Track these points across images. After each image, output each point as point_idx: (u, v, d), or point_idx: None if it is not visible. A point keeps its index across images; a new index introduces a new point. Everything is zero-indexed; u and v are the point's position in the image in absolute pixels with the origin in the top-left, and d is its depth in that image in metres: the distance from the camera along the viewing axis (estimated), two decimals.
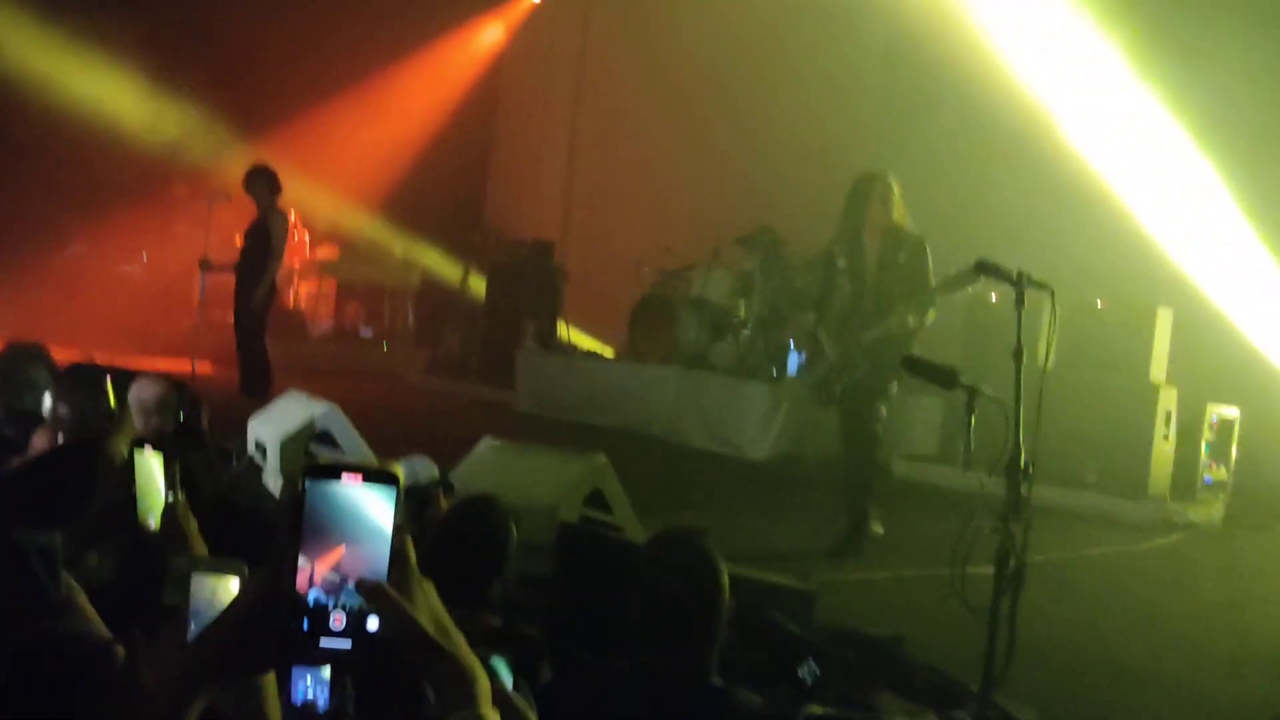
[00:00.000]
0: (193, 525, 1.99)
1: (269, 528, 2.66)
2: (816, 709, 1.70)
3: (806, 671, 2.62)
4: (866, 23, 12.11)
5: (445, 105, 15.64)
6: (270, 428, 5.40)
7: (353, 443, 5.20)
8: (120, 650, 1.43)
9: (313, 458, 4.86)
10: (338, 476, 1.06)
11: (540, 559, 3.65)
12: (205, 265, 8.99)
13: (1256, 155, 9.18)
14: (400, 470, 1.09)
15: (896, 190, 5.66)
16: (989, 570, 3.51)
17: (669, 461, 8.66)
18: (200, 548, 1.97)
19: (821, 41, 12.58)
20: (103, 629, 1.50)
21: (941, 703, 3.38)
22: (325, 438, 5.11)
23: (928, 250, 5.61)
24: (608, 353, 12.48)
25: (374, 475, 1.06)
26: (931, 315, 5.59)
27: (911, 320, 5.49)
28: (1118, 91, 10.04)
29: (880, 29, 12.09)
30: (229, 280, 8.82)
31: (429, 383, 12.81)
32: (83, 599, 1.53)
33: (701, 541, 2.46)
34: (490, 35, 16.26)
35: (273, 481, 4.62)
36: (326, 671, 1.36)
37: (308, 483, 1.05)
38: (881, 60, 12.27)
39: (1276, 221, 9.35)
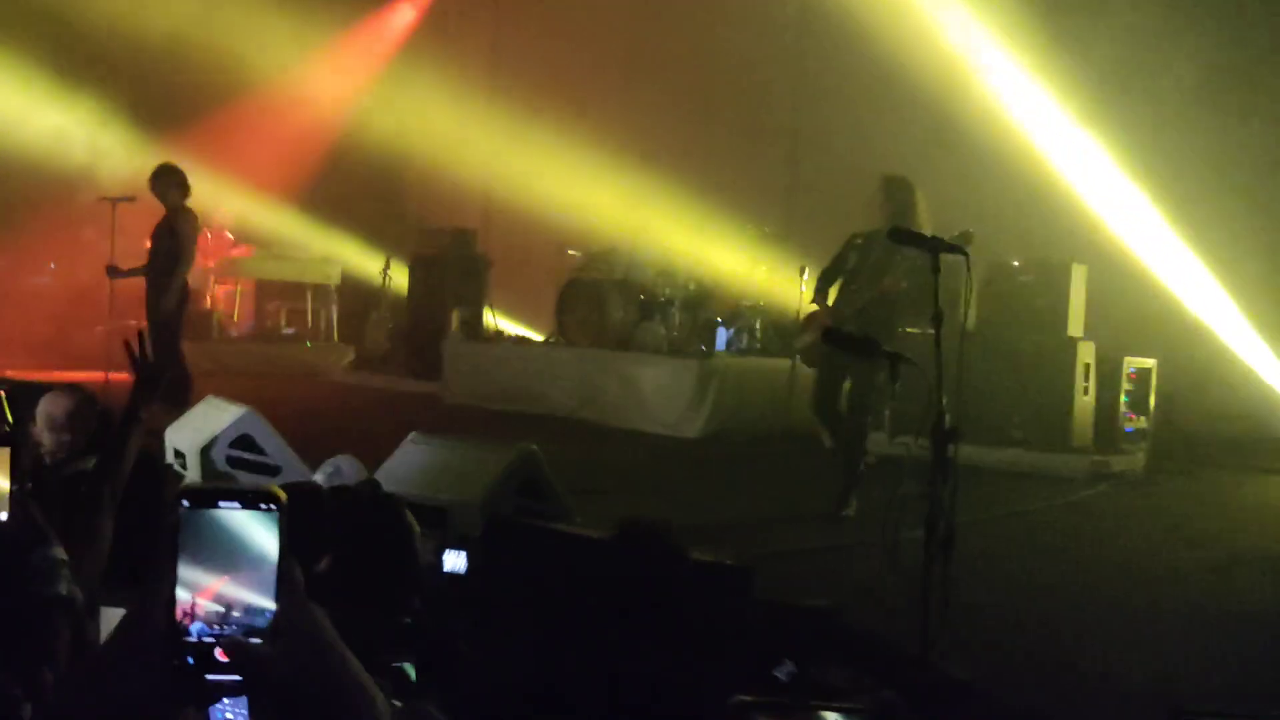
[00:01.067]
0: (40, 514, 1.98)
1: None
2: (745, 697, 1.69)
3: (784, 672, 2.61)
4: None
5: (358, 94, 15.34)
6: (188, 436, 5.25)
7: (275, 446, 5.08)
8: None
9: (227, 474, 4.73)
10: (214, 503, 1.00)
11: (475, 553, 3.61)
12: (113, 272, 8.63)
13: (1154, 114, 9.46)
14: (281, 492, 1.02)
15: (912, 191, 6.17)
16: (922, 534, 3.55)
17: (602, 444, 8.63)
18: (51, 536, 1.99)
19: (733, 10, 12.61)
20: None
21: (881, 670, 3.40)
22: (246, 442, 4.98)
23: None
24: (537, 338, 12.40)
25: (254, 498, 1.00)
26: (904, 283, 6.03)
27: (904, 283, 5.99)
28: (1025, 49, 10.19)
29: None
30: (140, 285, 8.53)
31: (355, 379, 12.61)
32: None
33: (669, 537, 2.43)
34: (401, 18, 15.96)
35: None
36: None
37: (184, 510, 0.99)
38: (795, 22, 12.34)
39: (1172, 176, 9.58)
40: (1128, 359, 8.68)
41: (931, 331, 3.65)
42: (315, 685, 0.99)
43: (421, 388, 11.35)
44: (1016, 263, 8.75)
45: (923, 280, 5.94)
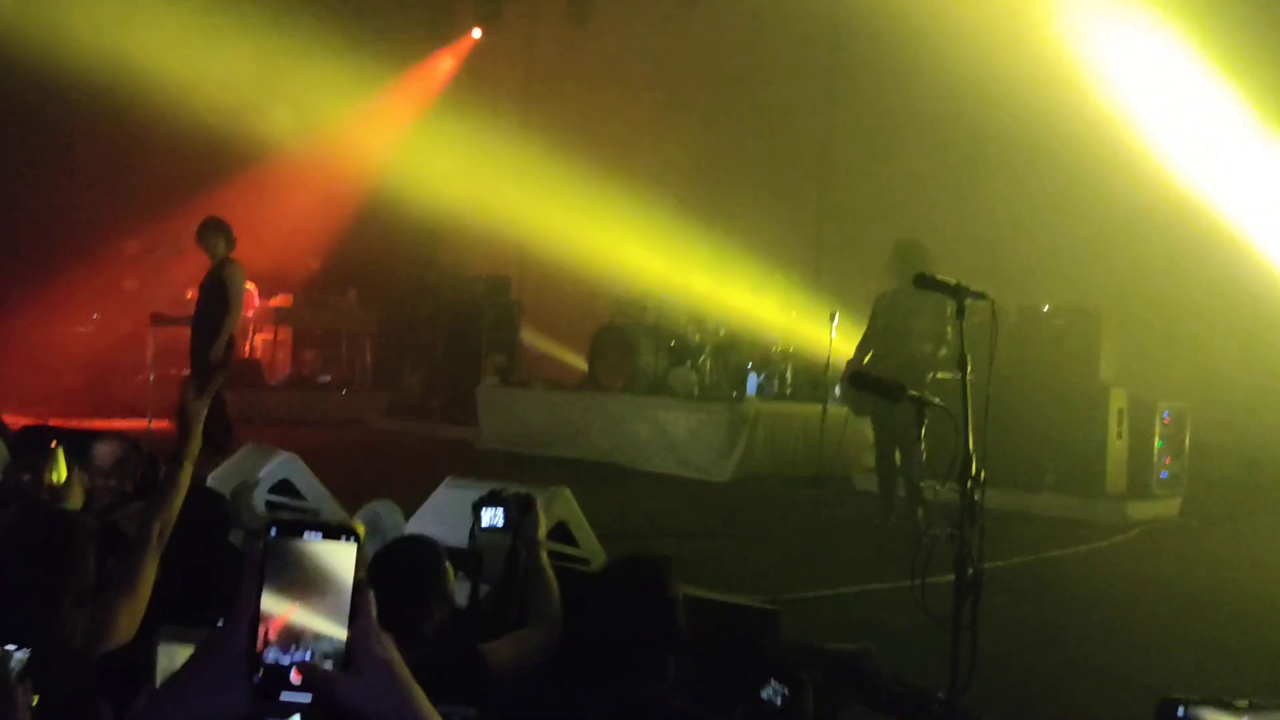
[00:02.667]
0: None
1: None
2: None
3: (772, 692, 2.64)
4: (807, 25, 12.34)
5: (393, 146, 15.66)
6: (230, 481, 5.37)
7: (315, 491, 5.19)
8: None
9: (275, 511, 4.84)
10: (300, 534, 1.08)
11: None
12: (157, 319, 8.84)
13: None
14: (361, 526, 1.11)
15: (922, 252, 7.00)
16: (951, 578, 3.58)
17: (634, 489, 8.69)
18: None
19: (765, 59, 12.81)
20: None
21: (909, 713, 3.42)
22: (287, 487, 5.09)
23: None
24: (576, 369, 12.51)
25: (335, 531, 1.09)
26: (944, 350, 6.90)
27: (927, 348, 6.90)
28: (1062, 94, 10.24)
29: (824, 32, 12.34)
30: (182, 335, 8.72)
31: (390, 425, 12.76)
32: None
33: (656, 565, 2.51)
34: (439, 69, 16.32)
35: (234, 536, 4.59)
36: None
37: (270, 539, 1.07)
38: (825, 69, 12.50)
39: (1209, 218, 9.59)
40: (1161, 403, 8.65)
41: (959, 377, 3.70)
42: (384, 712, 1.07)
43: (456, 433, 11.47)
44: (1046, 307, 8.77)
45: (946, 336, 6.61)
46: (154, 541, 2.45)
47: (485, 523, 3.27)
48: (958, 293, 3.67)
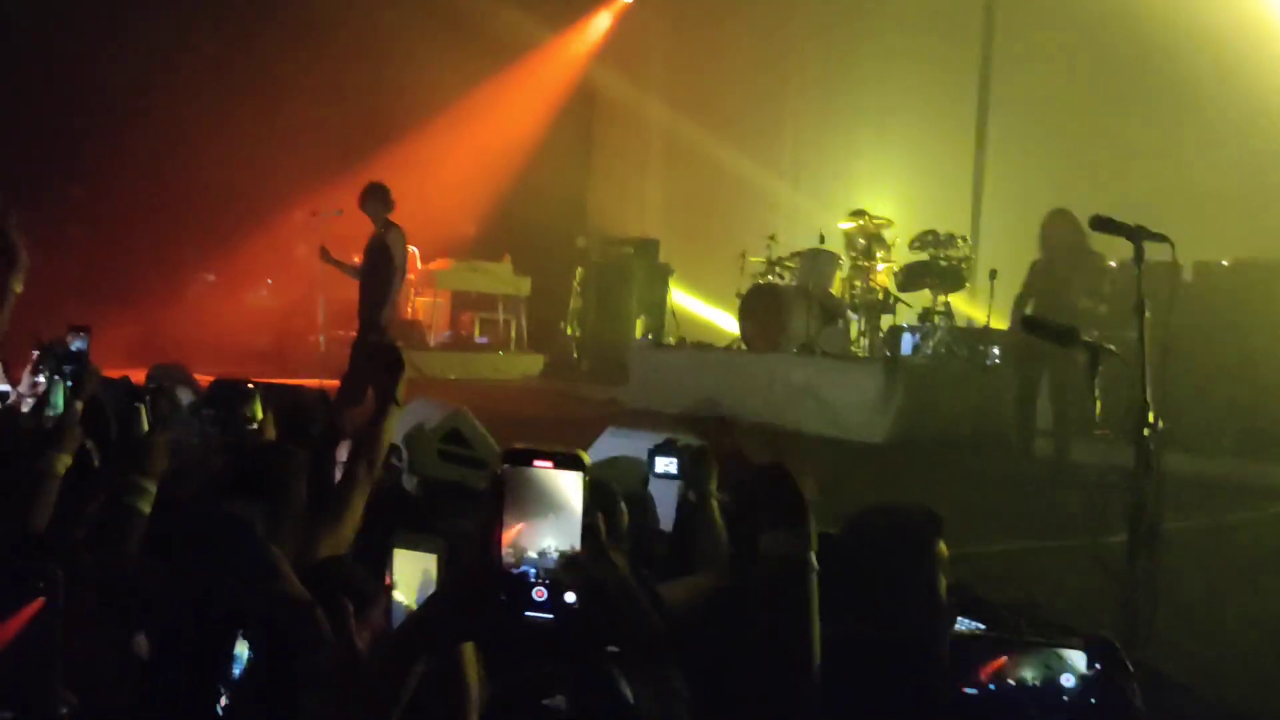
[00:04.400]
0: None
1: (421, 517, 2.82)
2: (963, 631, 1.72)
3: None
4: None
5: (544, 112, 15.93)
6: (401, 431, 5.62)
7: (483, 441, 5.38)
8: (319, 611, 1.56)
9: (447, 460, 5.05)
10: (529, 462, 1.16)
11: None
12: (325, 255, 9.04)
13: None
14: (585, 455, 1.17)
15: (1073, 220, 7.06)
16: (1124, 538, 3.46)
17: (788, 448, 8.66)
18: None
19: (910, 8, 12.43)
20: (302, 591, 1.64)
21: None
22: (456, 437, 5.30)
23: (1105, 264, 7.28)
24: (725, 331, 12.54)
25: (563, 460, 1.16)
26: (1104, 308, 7.16)
27: (1086, 303, 7.13)
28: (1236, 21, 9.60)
29: None
30: (348, 297, 9.07)
31: (545, 385, 13.07)
32: (285, 565, 1.67)
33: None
34: (591, 33, 16.42)
35: (408, 482, 4.82)
36: None
37: (506, 467, 1.15)
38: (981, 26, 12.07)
39: None
40: None
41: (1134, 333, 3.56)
42: (620, 629, 1.14)
43: (606, 393, 11.67)
44: (1226, 262, 8.30)
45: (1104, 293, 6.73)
46: (361, 478, 2.61)
47: (659, 470, 3.35)
48: (1136, 234, 3.52)
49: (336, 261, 8.93)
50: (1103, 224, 3.60)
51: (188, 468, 3.03)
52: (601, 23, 16.40)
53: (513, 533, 1.14)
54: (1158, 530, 3.38)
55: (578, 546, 1.14)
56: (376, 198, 8.66)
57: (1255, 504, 6.73)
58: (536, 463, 1.15)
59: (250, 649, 1.51)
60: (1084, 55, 10.39)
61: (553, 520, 1.14)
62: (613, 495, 2.91)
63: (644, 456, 4.56)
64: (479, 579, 1.13)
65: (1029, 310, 7.29)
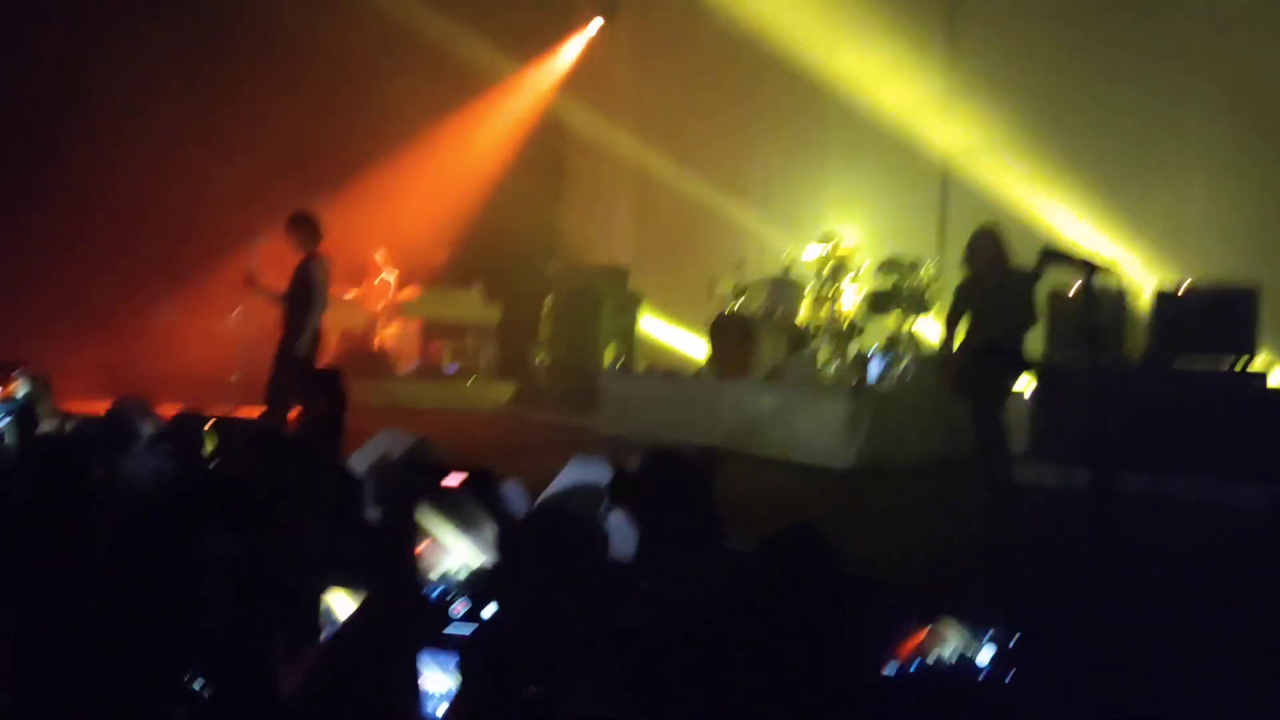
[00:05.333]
0: None
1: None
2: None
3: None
4: None
5: (514, 141, 16.00)
6: (365, 464, 5.60)
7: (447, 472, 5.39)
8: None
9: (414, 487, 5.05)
10: (440, 482, 1.18)
11: None
12: (250, 281, 8.76)
13: None
14: (501, 480, 1.19)
15: (1000, 237, 7.21)
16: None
17: (754, 475, 8.69)
18: None
19: (878, 37, 12.56)
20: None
21: None
22: (421, 469, 5.29)
23: (1033, 281, 7.01)
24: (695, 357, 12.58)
25: (474, 477, 1.18)
26: (1037, 322, 7.15)
27: (1018, 320, 7.01)
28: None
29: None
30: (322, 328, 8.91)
31: (515, 413, 13.05)
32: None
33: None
34: (560, 60, 16.52)
35: (370, 511, 4.81)
36: None
37: (419, 491, 1.17)
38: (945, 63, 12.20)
39: None
40: None
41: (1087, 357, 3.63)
42: (533, 642, 1.15)
43: (577, 420, 11.68)
44: (1182, 287, 8.39)
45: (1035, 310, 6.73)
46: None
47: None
48: (1085, 265, 3.59)
49: (261, 289, 8.72)
50: (1052, 256, 3.67)
51: (142, 504, 3.02)
52: (570, 52, 16.52)
53: (427, 553, 1.16)
54: (1118, 557, 3.43)
55: (491, 561, 1.16)
56: (301, 227, 8.55)
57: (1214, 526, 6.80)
58: (446, 481, 1.18)
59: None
60: (1047, 84, 10.55)
61: (467, 538, 1.16)
62: (575, 526, 2.92)
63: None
64: (399, 599, 1.15)
65: (959, 337, 7.25)
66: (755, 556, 2.29)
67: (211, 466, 3.86)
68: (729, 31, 13.34)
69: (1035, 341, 7.84)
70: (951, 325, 7.32)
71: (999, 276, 7.08)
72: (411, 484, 1.10)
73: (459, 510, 1.14)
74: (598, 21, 16.33)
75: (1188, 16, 9.58)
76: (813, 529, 2.44)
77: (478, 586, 1.15)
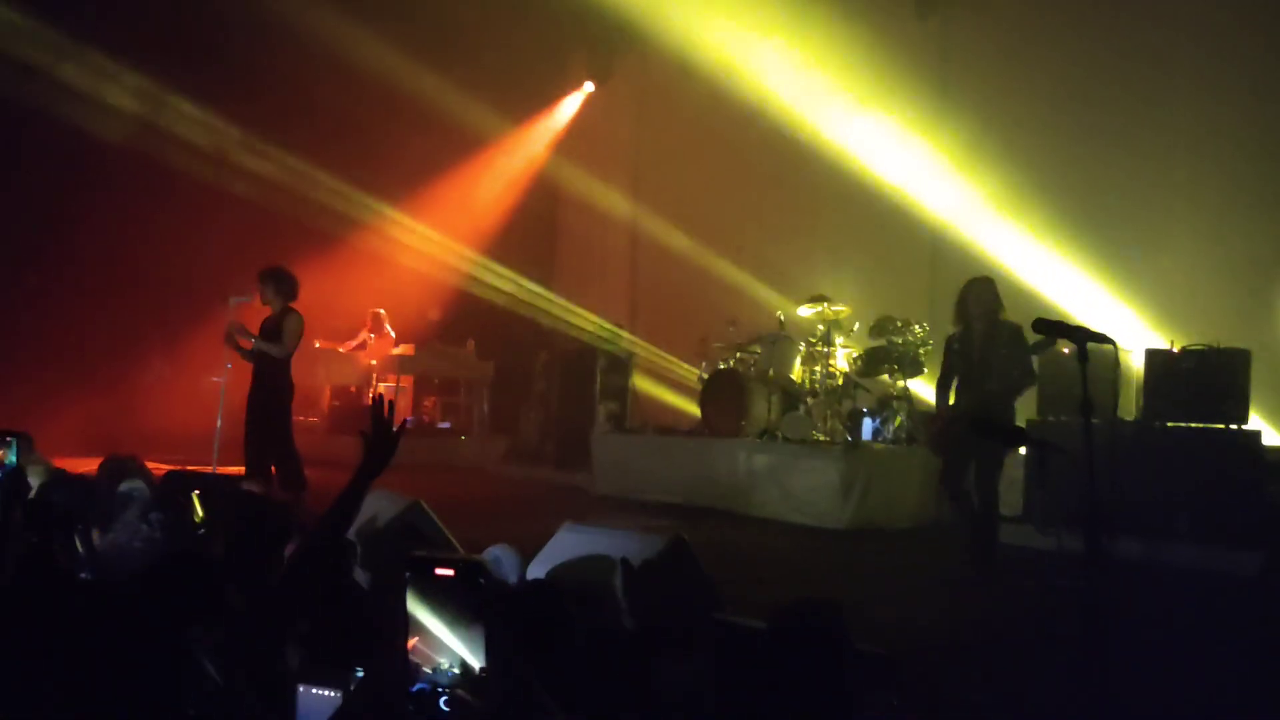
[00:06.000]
0: None
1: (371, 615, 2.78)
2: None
3: None
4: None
5: (508, 199, 16.13)
6: (357, 525, 5.55)
7: (439, 537, 5.33)
8: None
9: (403, 555, 5.00)
10: (431, 571, 1.17)
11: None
12: (231, 339, 8.58)
13: None
14: (486, 561, 1.18)
15: (994, 288, 7.08)
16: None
17: (748, 534, 8.65)
18: None
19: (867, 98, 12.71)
20: None
21: None
22: (412, 533, 5.24)
23: (1022, 332, 6.82)
24: (689, 415, 12.54)
25: (464, 567, 1.17)
26: (1030, 381, 6.97)
27: (1011, 375, 6.80)
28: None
29: None
30: (310, 386, 8.95)
31: (507, 471, 12.99)
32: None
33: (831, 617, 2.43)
34: (555, 122, 16.71)
35: (361, 576, 4.75)
36: None
37: (407, 578, 1.15)
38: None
39: None
40: None
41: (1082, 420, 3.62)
42: None
43: (571, 479, 11.62)
44: (1178, 348, 8.43)
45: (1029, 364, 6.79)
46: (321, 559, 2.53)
47: None
48: (1078, 335, 3.61)
49: (237, 346, 8.55)
50: (1045, 327, 3.68)
51: (129, 575, 2.98)
52: (565, 112, 16.72)
53: (414, 643, 1.14)
54: (1108, 629, 3.40)
55: (480, 661, 1.14)
56: (271, 282, 8.41)
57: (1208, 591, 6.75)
58: (438, 571, 1.16)
59: None
60: (1037, 148, 10.67)
61: (459, 631, 1.14)
62: (561, 602, 2.89)
63: (601, 552, 4.54)
64: (388, 693, 1.13)
65: (951, 396, 7.11)
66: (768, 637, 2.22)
67: (200, 533, 3.83)
68: (721, 94, 13.50)
69: (1028, 407, 7.85)
70: (943, 386, 7.22)
71: (990, 327, 6.95)
72: (401, 560, 1.07)
73: (450, 604, 1.12)
74: (588, 86, 16.59)
75: (1176, 81, 9.74)
76: (823, 610, 2.35)
77: (467, 685, 1.13)
